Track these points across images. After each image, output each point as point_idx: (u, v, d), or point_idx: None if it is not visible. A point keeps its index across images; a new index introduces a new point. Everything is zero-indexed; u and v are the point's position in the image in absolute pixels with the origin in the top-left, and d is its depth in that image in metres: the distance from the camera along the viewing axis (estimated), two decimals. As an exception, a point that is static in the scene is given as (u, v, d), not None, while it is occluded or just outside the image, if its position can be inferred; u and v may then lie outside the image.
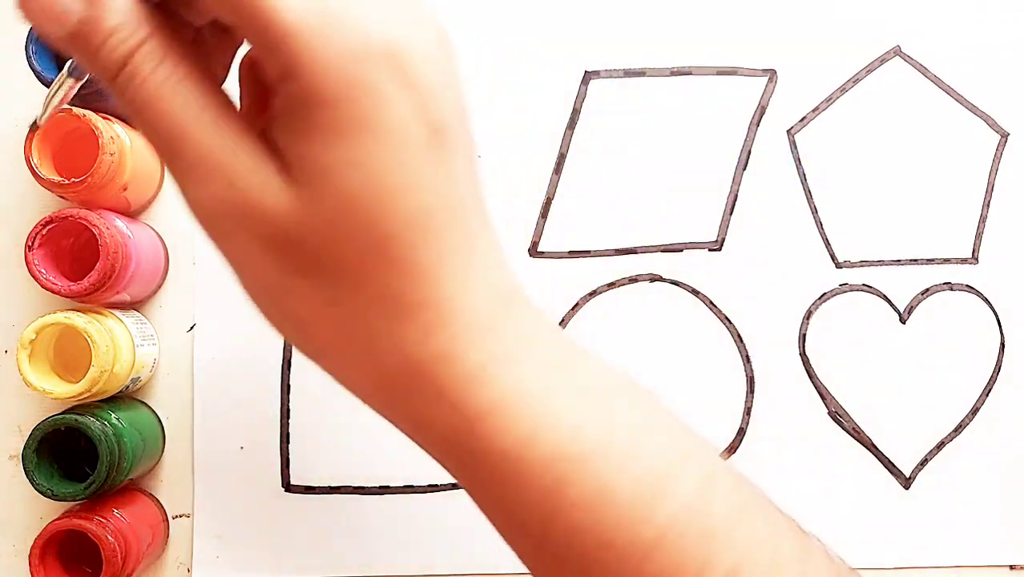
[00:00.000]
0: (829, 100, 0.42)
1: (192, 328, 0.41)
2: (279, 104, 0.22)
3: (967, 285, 0.42)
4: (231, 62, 0.27)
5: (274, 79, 0.22)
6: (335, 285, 0.24)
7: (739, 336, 0.42)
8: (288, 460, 0.41)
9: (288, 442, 0.41)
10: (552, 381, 0.25)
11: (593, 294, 0.42)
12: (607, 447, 0.24)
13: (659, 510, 0.24)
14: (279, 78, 0.22)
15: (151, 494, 0.41)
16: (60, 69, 0.37)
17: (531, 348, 0.25)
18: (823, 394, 0.42)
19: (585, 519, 0.24)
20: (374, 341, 0.24)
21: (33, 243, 0.36)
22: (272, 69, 0.22)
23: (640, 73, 0.42)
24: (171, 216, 0.41)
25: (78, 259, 0.38)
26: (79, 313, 0.36)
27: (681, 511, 0.24)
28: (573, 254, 0.42)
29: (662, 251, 0.42)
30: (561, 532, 0.24)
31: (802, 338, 0.42)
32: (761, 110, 0.42)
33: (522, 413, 0.24)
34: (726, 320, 0.42)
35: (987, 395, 0.42)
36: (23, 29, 0.36)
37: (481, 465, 0.25)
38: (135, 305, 0.41)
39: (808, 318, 0.42)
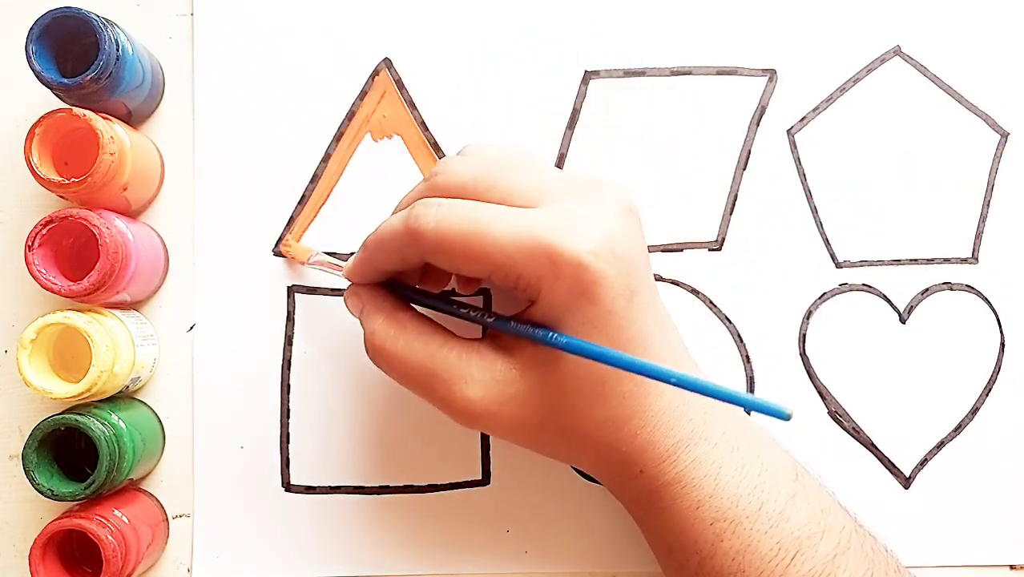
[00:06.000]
0: (829, 100, 0.42)
1: (192, 328, 0.41)
2: (532, 319, 0.32)
3: (967, 285, 0.42)
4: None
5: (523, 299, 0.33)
6: (564, 430, 0.33)
7: (739, 336, 0.42)
8: (288, 460, 0.41)
9: (288, 442, 0.41)
10: (722, 458, 0.33)
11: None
12: (756, 515, 0.32)
13: (792, 569, 0.32)
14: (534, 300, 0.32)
15: (151, 494, 0.41)
16: (60, 71, 0.37)
17: (706, 431, 0.33)
18: (823, 394, 0.42)
19: (732, 566, 0.32)
20: (598, 449, 0.34)
21: (33, 243, 0.36)
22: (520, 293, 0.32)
23: (640, 73, 0.42)
24: (171, 216, 0.41)
25: (78, 259, 0.38)
26: (79, 313, 0.36)
27: (810, 573, 0.32)
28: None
29: (662, 251, 0.42)
30: (712, 572, 0.33)
31: (802, 338, 0.42)
32: (761, 110, 0.42)
33: (695, 485, 0.33)
34: (726, 320, 0.42)
35: (987, 395, 0.42)
36: (23, 29, 0.35)
37: (661, 518, 0.34)
38: (135, 305, 0.41)
39: (808, 318, 0.42)
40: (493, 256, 0.31)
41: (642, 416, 0.33)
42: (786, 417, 0.27)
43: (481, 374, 0.33)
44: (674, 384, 0.28)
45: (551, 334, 0.31)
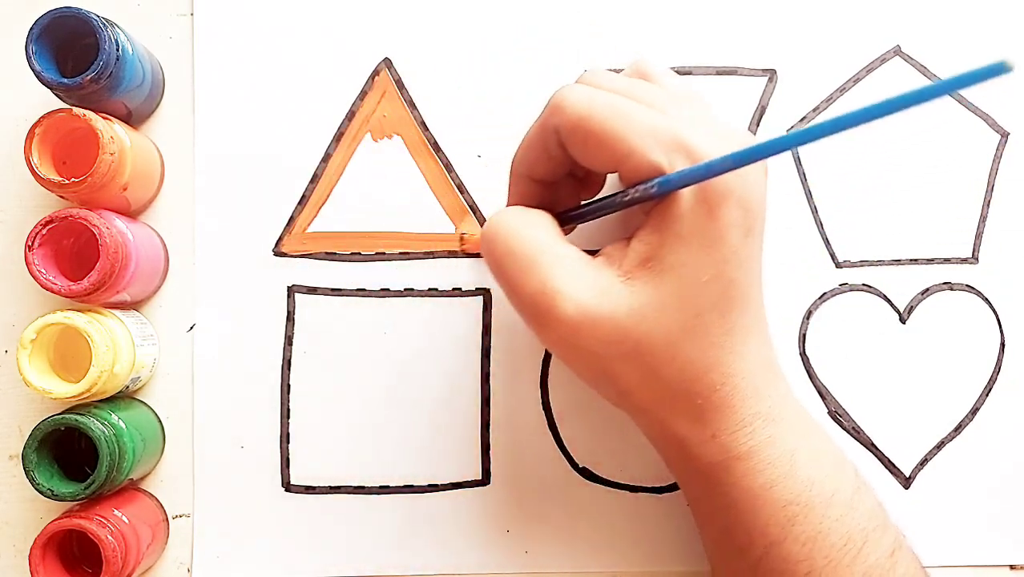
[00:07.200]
0: (829, 100, 0.42)
1: (192, 328, 0.41)
2: (646, 224, 0.31)
3: (967, 285, 0.42)
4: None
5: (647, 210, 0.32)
6: (649, 361, 0.31)
7: (739, 336, 0.42)
8: (288, 460, 0.41)
9: (288, 442, 0.41)
10: (796, 442, 0.32)
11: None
12: (829, 501, 0.32)
13: (860, 559, 0.31)
14: (651, 208, 0.31)
15: (151, 494, 0.41)
16: (60, 71, 0.37)
17: (783, 412, 0.33)
18: (823, 394, 0.42)
19: (802, 552, 0.32)
20: (675, 398, 0.32)
21: (33, 243, 0.36)
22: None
23: (640, 73, 0.42)
24: (171, 216, 0.41)
25: (78, 259, 0.38)
26: (79, 313, 0.36)
27: (875, 566, 0.32)
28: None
29: (662, 251, 0.42)
30: (779, 558, 0.32)
31: (802, 338, 0.42)
32: (761, 110, 0.42)
33: (772, 462, 0.32)
34: (726, 320, 0.42)
35: (987, 395, 0.42)
36: (23, 29, 0.35)
37: (728, 495, 0.32)
38: (135, 305, 0.41)
39: (808, 318, 0.42)
40: (630, 139, 0.30)
41: (724, 370, 0.31)
42: (1008, 68, 0.24)
43: (586, 275, 0.31)
44: (852, 122, 0.26)
45: (718, 160, 0.28)
